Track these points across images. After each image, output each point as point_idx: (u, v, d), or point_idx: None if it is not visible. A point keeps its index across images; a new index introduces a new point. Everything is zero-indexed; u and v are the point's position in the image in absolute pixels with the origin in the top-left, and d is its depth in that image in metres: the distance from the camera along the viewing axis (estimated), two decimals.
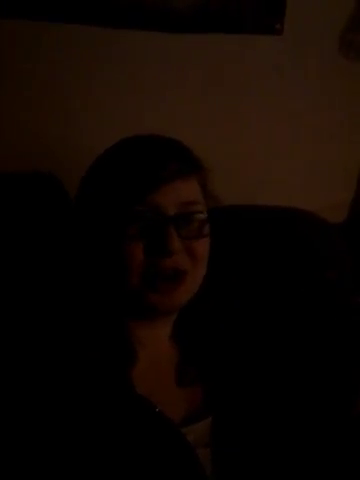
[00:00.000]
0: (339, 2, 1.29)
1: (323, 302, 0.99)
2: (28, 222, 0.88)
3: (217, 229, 0.75)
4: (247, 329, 0.82)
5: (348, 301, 1.08)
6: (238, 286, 0.93)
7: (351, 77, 1.35)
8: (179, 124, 1.16)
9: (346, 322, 1.01)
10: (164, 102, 1.16)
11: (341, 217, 1.49)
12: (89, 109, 1.11)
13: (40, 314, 0.70)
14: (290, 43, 1.24)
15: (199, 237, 0.70)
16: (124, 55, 1.11)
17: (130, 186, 0.68)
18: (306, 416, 0.77)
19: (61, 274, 0.76)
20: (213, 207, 0.77)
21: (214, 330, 0.78)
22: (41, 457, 0.60)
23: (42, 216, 0.88)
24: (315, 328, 0.94)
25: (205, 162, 0.76)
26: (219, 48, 1.18)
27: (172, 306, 0.70)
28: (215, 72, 1.20)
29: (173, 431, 0.66)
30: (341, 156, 1.41)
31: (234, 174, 1.23)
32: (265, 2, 1.17)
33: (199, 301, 0.74)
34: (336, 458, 0.75)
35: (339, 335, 0.96)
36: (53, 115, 1.09)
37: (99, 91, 1.11)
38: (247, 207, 1.09)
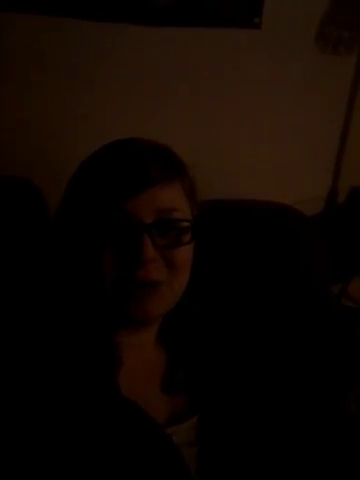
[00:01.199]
0: None
1: (303, 299, 1.00)
2: (4, 229, 0.86)
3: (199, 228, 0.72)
4: (232, 330, 0.81)
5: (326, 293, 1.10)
6: (221, 285, 0.92)
7: (329, 71, 1.37)
8: (155, 120, 1.16)
9: (327, 317, 1.02)
10: (140, 97, 1.15)
11: (318, 209, 1.52)
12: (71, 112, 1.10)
13: (22, 321, 0.68)
14: (268, 37, 1.25)
15: (177, 246, 0.66)
16: (100, 51, 1.09)
17: (105, 192, 0.65)
18: (292, 414, 0.76)
19: (39, 281, 0.73)
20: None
21: (199, 332, 0.76)
22: (26, 458, 0.59)
23: (18, 223, 0.86)
24: (299, 327, 0.94)
25: (184, 158, 0.73)
26: (197, 42, 1.18)
27: (148, 315, 0.66)
28: (193, 66, 1.20)
29: (157, 431, 0.65)
30: (319, 149, 1.43)
31: (211, 169, 1.23)
32: None
33: (184, 303, 0.71)
34: (323, 456, 0.76)
35: (323, 334, 0.96)
36: (34, 120, 1.06)
37: (79, 94, 1.09)
38: (226, 201, 1.09)
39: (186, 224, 0.68)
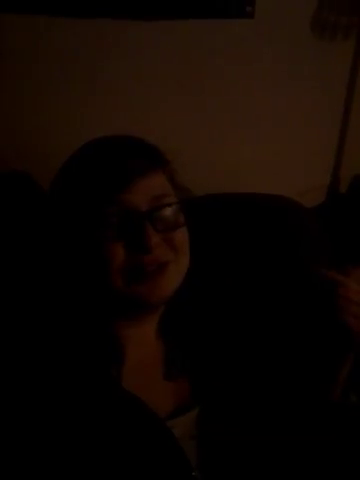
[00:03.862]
0: None
1: (302, 287, 0.99)
2: (3, 222, 0.86)
3: (195, 218, 0.74)
4: (233, 321, 0.81)
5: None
6: (221, 276, 0.92)
7: (325, 59, 1.34)
8: (151, 113, 1.15)
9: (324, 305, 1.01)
10: (136, 91, 1.15)
11: (320, 199, 1.50)
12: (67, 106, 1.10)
13: (23, 315, 0.70)
14: (262, 26, 1.23)
15: (175, 227, 0.70)
16: (96, 45, 1.09)
17: (97, 188, 0.67)
18: (292, 405, 0.77)
19: (39, 275, 0.75)
20: (190, 197, 0.77)
21: (200, 323, 0.78)
22: (27, 452, 0.60)
23: (18, 216, 0.87)
24: (299, 318, 0.94)
25: (178, 151, 0.75)
26: (190, 33, 1.17)
27: (160, 296, 0.69)
28: (186, 58, 1.18)
29: (158, 424, 0.66)
30: (319, 138, 1.41)
31: (210, 161, 1.22)
32: None
33: (183, 294, 0.73)
34: (323, 446, 0.75)
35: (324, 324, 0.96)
36: (31, 113, 1.07)
37: (81, 87, 1.10)
38: (225, 195, 1.08)
39: (178, 206, 0.71)
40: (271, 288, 0.96)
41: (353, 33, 1.38)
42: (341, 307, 0.70)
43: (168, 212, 0.70)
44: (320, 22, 1.34)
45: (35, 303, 0.71)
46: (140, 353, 0.72)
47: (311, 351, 0.86)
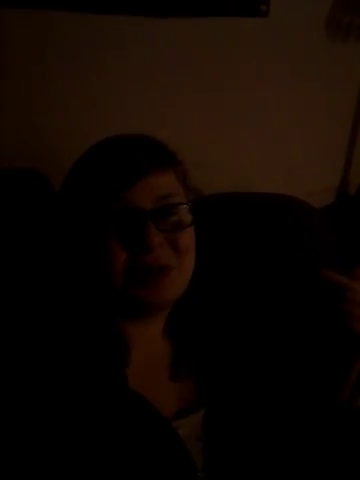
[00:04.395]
0: None
1: (310, 290, 0.99)
2: (12, 220, 0.86)
3: (204, 218, 0.73)
4: (239, 321, 0.81)
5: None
6: (228, 277, 0.92)
7: (338, 59, 1.34)
8: (164, 111, 1.15)
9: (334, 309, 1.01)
10: (145, 88, 1.14)
11: (329, 200, 1.50)
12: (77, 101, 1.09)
13: (29, 312, 0.69)
14: (276, 25, 1.22)
15: (180, 229, 0.69)
16: (108, 42, 1.08)
17: (104, 185, 0.67)
18: (299, 407, 0.76)
19: (48, 274, 0.74)
20: (199, 197, 0.76)
21: (207, 323, 0.77)
22: (32, 451, 0.60)
23: (26, 214, 0.87)
24: (307, 318, 0.94)
25: (191, 150, 0.74)
26: (204, 32, 1.16)
27: (160, 300, 0.68)
28: (200, 56, 1.18)
29: (164, 425, 0.66)
30: (329, 140, 1.41)
31: (222, 162, 1.22)
32: None
33: (191, 295, 0.72)
34: (330, 450, 0.75)
35: (330, 323, 0.96)
36: (38, 110, 1.06)
37: (86, 83, 1.08)
38: (235, 195, 1.08)
39: (185, 207, 0.70)
40: (279, 289, 0.96)
41: None
42: (349, 311, 0.68)
43: (173, 212, 0.69)
44: (334, 22, 1.34)
45: (40, 300, 0.71)
46: (146, 353, 0.72)
47: (318, 353, 0.86)
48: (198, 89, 1.20)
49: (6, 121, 1.02)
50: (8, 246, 0.83)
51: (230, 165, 1.22)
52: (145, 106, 1.14)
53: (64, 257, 0.72)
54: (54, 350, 0.65)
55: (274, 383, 0.76)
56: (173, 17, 1.10)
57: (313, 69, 1.31)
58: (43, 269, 0.76)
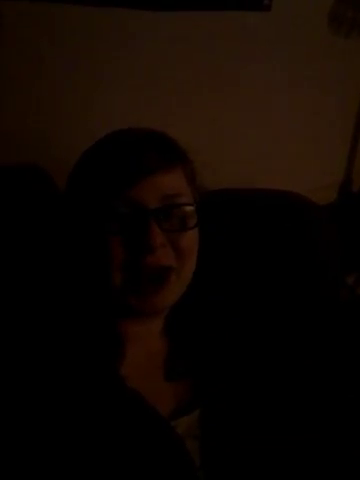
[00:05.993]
0: None
1: (313, 292, 0.98)
2: (13, 216, 0.85)
3: (205, 215, 0.71)
4: (238, 321, 0.80)
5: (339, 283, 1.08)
6: (228, 275, 0.91)
7: (341, 55, 1.33)
8: (164, 106, 1.14)
9: (339, 309, 1.00)
10: (152, 82, 1.13)
11: (332, 197, 1.49)
12: (76, 96, 1.08)
13: (27, 309, 0.69)
14: (279, 19, 1.21)
15: (183, 230, 0.67)
16: (108, 37, 1.07)
17: (108, 181, 0.65)
18: (295, 407, 0.76)
19: (48, 271, 0.74)
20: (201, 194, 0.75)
21: (205, 323, 0.76)
22: (28, 449, 0.59)
23: (28, 210, 0.86)
24: (305, 319, 0.93)
25: (195, 146, 0.72)
26: (206, 25, 1.15)
27: (155, 309, 0.67)
28: (201, 50, 1.17)
29: (161, 423, 0.66)
30: (332, 136, 1.40)
31: (224, 158, 1.21)
32: None
33: (191, 293, 0.71)
34: (327, 452, 0.75)
35: (334, 325, 0.95)
36: (38, 105, 1.05)
37: (87, 77, 1.08)
38: (238, 191, 1.07)
39: (190, 208, 0.68)
40: (279, 287, 0.95)
41: None
42: None
43: (178, 212, 0.66)
44: (337, 17, 1.33)
45: (39, 298, 0.71)
46: (144, 351, 0.71)
47: (316, 353, 0.86)
48: (199, 84, 1.20)
49: (7, 118, 1.01)
50: (9, 242, 0.82)
51: (232, 161, 1.22)
52: (145, 101, 1.14)
53: (65, 254, 0.71)
54: (51, 347, 0.65)
55: (271, 383, 0.76)
56: (174, 10, 1.10)
57: (316, 64, 1.30)
58: (44, 266, 0.76)
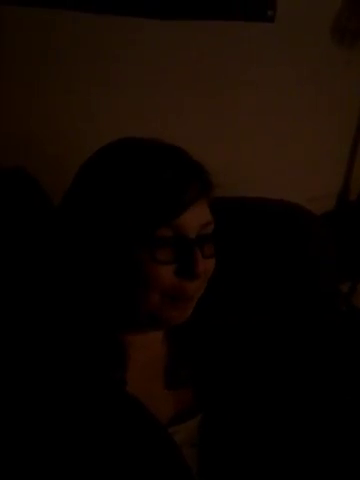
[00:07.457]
0: None
1: (310, 298, 0.99)
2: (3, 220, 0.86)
3: None
4: (239, 328, 0.81)
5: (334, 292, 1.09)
6: (227, 283, 0.92)
7: (343, 66, 1.33)
8: (166, 114, 1.15)
9: (334, 316, 1.01)
10: (153, 89, 1.14)
11: (329, 206, 1.50)
12: (69, 98, 1.08)
13: (26, 316, 0.70)
14: (282, 30, 1.22)
15: (213, 256, 0.70)
16: (108, 44, 1.08)
17: (155, 209, 0.64)
18: (295, 416, 0.77)
19: (42, 277, 0.74)
20: None
21: (206, 330, 0.78)
22: (28, 455, 0.60)
23: (14, 213, 0.86)
24: (303, 327, 0.94)
25: (193, 154, 0.71)
26: (209, 35, 1.15)
27: (184, 320, 0.69)
28: (204, 59, 1.17)
29: (159, 430, 0.66)
30: (332, 146, 1.41)
31: (223, 166, 1.21)
32: None
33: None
34: (326, 461, 0.76)
35: (330, 333, 0.96)
36: (30, 110, 1.05)
37: (80, 79, 1.08)
38: (236, 199, 1.08)
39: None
40: (278, 295, 0.96)
41: None
42: None
43: (211, 240, 0.69)
44: (340, 28, 1.33)
45: (39, 303, 0.71)
46: (144, 358, 0.72)
47: (316, 359, 0.86)
48: (202, 93, 1.20)
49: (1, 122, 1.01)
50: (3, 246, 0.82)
51: (231, 170, 1.22)
52: (145, 109, 1.13)
53: (64, 265, 0.70)
54: (53, 354, 0.65)
55: (271, 392, 0.77)
56: (177, 20, 1.10)
57: (318, 75, 1.30)
58: (31, 270, 0.76)
